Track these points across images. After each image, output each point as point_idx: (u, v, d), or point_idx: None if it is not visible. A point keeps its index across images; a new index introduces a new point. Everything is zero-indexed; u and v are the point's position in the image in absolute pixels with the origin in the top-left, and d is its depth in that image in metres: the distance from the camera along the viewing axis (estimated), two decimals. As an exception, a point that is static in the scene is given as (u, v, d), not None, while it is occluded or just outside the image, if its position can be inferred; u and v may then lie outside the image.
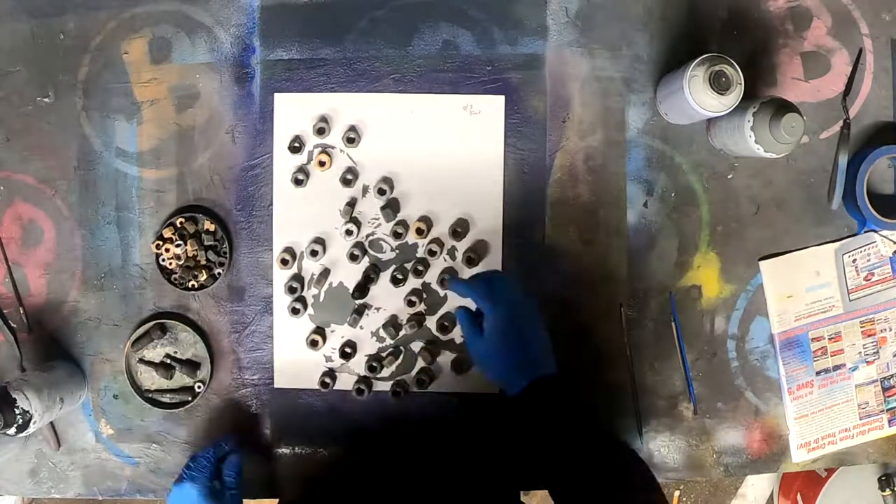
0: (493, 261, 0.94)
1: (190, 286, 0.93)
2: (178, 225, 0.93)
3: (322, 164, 0.93)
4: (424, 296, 0.94)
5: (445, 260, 0.94)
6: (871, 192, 0.93)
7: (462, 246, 0.94)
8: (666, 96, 0.89)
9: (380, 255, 0.94)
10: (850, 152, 0.92)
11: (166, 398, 0.95)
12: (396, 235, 0.93)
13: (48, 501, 1.77)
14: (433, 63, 0.94)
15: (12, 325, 0.95)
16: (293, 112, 0.94)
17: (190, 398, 0.94)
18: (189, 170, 0.95)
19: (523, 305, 0.80)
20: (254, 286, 0.95)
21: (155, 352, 0.95)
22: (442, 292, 0.94)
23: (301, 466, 0.95)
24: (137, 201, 0.95)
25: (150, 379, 0.95)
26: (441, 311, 0.94)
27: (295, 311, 0.93)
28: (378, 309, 0.94)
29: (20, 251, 0.96)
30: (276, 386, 0.95)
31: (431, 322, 0.94)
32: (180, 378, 0.95)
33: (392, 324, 0.94)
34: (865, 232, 0.94)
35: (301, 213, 0.94)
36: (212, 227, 0.93)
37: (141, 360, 0.95)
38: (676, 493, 1.88)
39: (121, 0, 0.94)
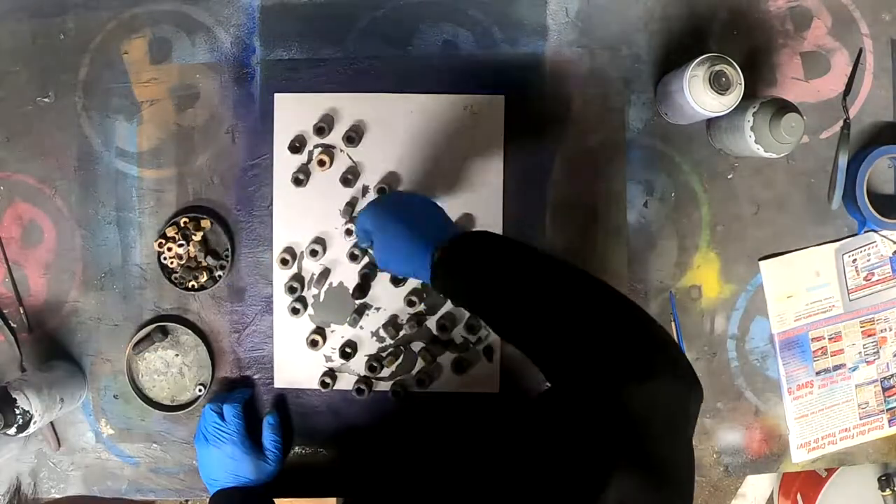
0: (493, 261, 0.94)
1: (190, 286, 0.93)
2: (182, 224, 0.93)
3: (322, 163, 0.93)
4: (424, 296, 0.94)
5: (445, 260, 0.94)
6: (871, 192, 0.93)
7: (462, 246, 0.94)
8: (666, 96, 0.89)
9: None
10: (850, 152, 0.92)
11: (167, 402, 0.95)
12: (396, 235, 0.93)
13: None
14: (433, 63, 0.94)
15: (12, 325, 0.95)
16: (293, 112, 0.94)
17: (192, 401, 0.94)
18: (189, 170, 0.95)
19: (393, 201, 0.78)
20: (254, 286, 0.95)
21: (156, 355, 0.95)
22: (442, 292, 0.94)
23: (301, 466, 0.95)
24: (137, 201, 0.95)
25: (151, 382, 0.95)
26: (441, 311, 0.94)
27: (295, 311, 0.93)
28: (378, 309, 0.94)
29: (20, 251, 0.96)
30: (276, 386, 0.95)
31: (431, 322, 0.94)
32: (181, 381, 0.95)
33: (392, 324, 0.94)
34: (865, 232, 0.94)
35: (301, 213, 0.94)
36: (212, 228, 0.93)
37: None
38: (676, 493, 1.88)
39: (121, 0, 0.94)
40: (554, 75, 0.94)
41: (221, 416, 0.89)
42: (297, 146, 0.93)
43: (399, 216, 0.75)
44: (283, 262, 0.93)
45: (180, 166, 0.95)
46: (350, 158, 0.94)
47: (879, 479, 1.43)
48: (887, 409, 0.96)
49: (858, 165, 0.91)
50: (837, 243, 0.95)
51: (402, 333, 0.94)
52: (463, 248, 0.69)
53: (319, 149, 0.94)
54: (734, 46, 0.93)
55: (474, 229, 0.70)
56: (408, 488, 0.86)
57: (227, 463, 0.87)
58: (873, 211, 0.91)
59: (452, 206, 0.94)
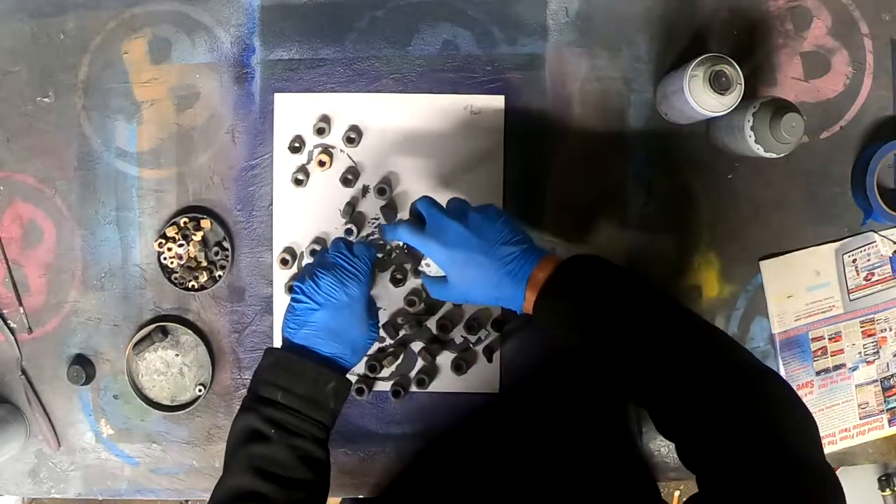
0: (493, 261, 0.94)
1: (190, 286, 0.93)
2: (182, 224, 0.93)
3: (322, 164, 0.93)
4: (424, 296, 0.94)
5: (445, 260, 0.94)
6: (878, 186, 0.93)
7: (462, 246, 0.94)
8: (666, 96, 0.89)
9: (380, 255, 0.94)
10: (854, 149, 0.92)
11: (167, 402, 0.95)
12: (396, 235, 0.93)
13: (48, 501, 1.77)
14: (433, 63, 0.94)
15: (12, 325, 0.95)
16: (293, 112, 0.94)
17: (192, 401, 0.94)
18: (189, 170, 0.95)
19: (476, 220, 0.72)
20: (254, 286, 0.95)
21: (156, 355, 0.95)
22: (442, 292, 0.94)
23: (301, 466, 0.95)
24: (137, 201, 0.95)
25: (151, 382, 0.95)
26: (441, 311, 0.94)
27: (295, 311, 0.93)
28: (378, 309, 0.94)
29: (20, 251, 0.96)
30: (276, 386, 0.95)
31: (431, 322, 0.94)
32: (181, 381, 0.95)
33: (392, 324, 0.94)
34: (867, 224, 0.93)
35: (301, 213, 0.94)
36: (212, 228, 0.93)
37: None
38: (677, 494, 1.88)
39: (121, 0, 0.94)
40: (554, 75, 0.94)
41: (350, 251, 0.77)
42: (296, 146, 0.93)
43: (483, 238, 0.71)
44: (283, 262, 0.93)
45: (180, 166, 0.95)
46: (350, 158, 0.94)
47: (879, 479, 1.43)
48: (887, 409, 0.96)
49: (868, 158, 0.91)
50: (837, 243, 0.95)
51: (401, 333, 0.94)
52: (578, 272, 0.67)
53: (319, 149, 0.94)
54: (734, 46, 0.93)
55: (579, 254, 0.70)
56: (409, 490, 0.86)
57: (344, 309, 0.73)
58: (881, 202, 0.90)
59: (452, 206, 0.94)
